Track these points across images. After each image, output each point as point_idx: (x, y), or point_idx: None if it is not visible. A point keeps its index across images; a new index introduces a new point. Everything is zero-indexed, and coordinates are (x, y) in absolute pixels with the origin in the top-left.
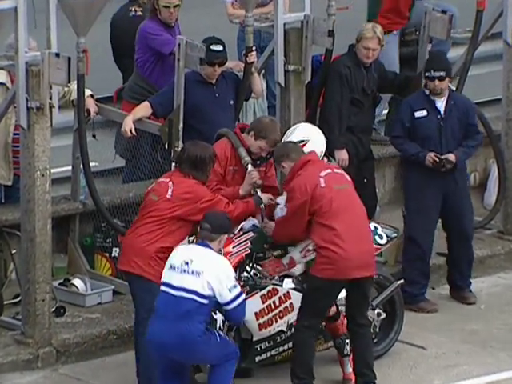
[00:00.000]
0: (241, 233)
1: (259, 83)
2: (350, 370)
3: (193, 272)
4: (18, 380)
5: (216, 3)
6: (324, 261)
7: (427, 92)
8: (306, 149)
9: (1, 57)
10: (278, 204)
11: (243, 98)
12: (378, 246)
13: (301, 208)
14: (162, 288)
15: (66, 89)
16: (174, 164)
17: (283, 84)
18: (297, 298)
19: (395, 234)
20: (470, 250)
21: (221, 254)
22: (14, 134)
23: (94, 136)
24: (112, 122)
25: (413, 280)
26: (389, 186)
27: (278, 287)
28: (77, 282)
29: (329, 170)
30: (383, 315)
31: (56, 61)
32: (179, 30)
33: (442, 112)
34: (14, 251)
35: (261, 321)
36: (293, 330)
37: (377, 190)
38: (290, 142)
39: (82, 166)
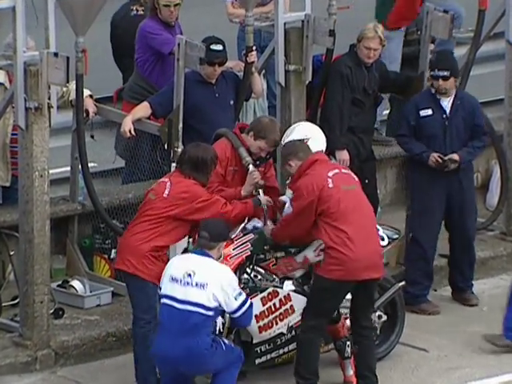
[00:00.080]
0: (241, 234)
1: (259, 83)
2: (351, 372)
3: (197, 284)
4: (16, 382)
5: (216, 2)
6: (333, 261)
7: (433, 91)
8: None
9: None
10: (284, 203)
11: (243, 98)
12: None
13: (307, 208)
14: (165, 301)
15: (64, 89)
16: (173, 165)
17: (284, 84)
18: (297, 300)
19: (397, 236)
20: (472, 251)
21: (220, 257)
22: (12, 134)
23: (92, 136)
24: (112, 123)
25: (415, 280)
26: (390, 186)
27: (279, 289)
28: (75, 283)
29: (336, 170)
30: (384, 317)
31: (54, 60)
32: (180, 29)
33: (448, 111)
34: (12, 252)
35: (261, 323)
36: (293, 332)
37: (378, 191)
38: (298, 140)
39: (80, 166)
